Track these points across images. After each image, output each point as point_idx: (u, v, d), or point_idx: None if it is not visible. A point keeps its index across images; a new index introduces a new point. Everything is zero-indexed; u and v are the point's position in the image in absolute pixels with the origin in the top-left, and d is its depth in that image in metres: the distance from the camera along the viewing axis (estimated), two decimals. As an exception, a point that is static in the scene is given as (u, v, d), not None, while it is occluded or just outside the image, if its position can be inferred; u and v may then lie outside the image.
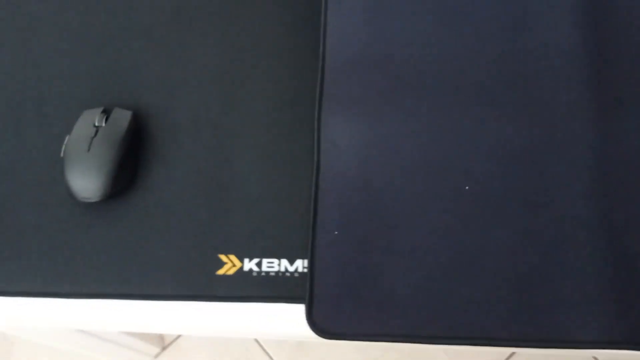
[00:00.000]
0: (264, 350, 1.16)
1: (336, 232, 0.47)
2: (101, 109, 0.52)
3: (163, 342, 1.18)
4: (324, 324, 0.45)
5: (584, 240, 0.46)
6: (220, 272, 0.48)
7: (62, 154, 0.51)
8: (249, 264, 0.48)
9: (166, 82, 0.55)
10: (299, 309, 0.46)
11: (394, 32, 0.53)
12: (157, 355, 1.17)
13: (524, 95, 0.50)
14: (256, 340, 1.17)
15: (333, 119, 0.51)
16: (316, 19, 0.55)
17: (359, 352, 1.16)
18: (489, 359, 1.13)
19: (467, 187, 0.48)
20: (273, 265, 0.48)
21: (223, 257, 0.48)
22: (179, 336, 1.19)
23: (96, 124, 0.51)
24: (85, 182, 0.49)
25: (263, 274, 0.47)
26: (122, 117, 0.52)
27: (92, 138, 0.50)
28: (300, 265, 0.47)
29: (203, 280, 0.48)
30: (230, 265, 0.48)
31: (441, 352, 1.15)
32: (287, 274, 0.47)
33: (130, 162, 0.51)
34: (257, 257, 0.48)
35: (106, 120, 0.51)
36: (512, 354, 1.13)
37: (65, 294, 0.48)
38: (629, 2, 0.52)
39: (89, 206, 0.51)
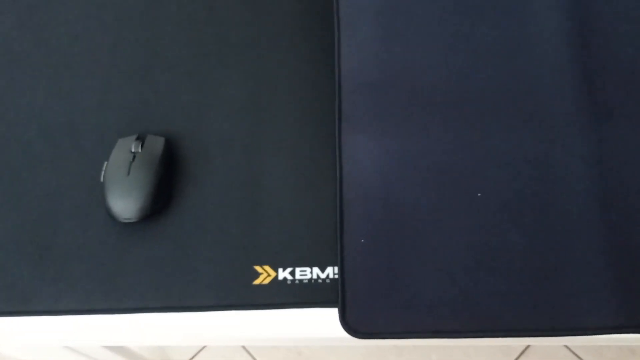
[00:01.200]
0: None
1: (362, 240, 0.51)
2: (135, 136, 0.56)
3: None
4: (357, 325, 0.49)
5: (588, 237, 0.51)
6: (257, 282, 0.51)
7: (101, 179, 0.54)
8: (283, 273, 0.52)
9: (194, 109, 0.59)
10: (332, 313, 0.50)
11: (403, 56, 0.58)
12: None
13: (525, 108, 0.56)
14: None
15: (351, 136, 0.55)
16: (332, 48, 0.61)
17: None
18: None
19: (479, 194, 0.53)
20: (306, 273, 0.51)
21: (258, 268, 0.52)
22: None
23: (132, 150, 0.54)
24: (126, 203, 0.52)
25: (297, 281, 0.51)
26: (156, 143, 0.56)
27: (131, 163, 0.53)
28: (331, 272, 0.51)
29: (241, 290, 0.51)
30: (265, 275, 0.52)
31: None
32: (319, 281, 0.51)
33: (166, 184, 0.55)
34: (290, 266, 0.52)
35: (142, 146, 0.55)
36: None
37: (109, 309, 0.51)
38: (614, 22, 0.58)
39: (128, 226, 0.54)
